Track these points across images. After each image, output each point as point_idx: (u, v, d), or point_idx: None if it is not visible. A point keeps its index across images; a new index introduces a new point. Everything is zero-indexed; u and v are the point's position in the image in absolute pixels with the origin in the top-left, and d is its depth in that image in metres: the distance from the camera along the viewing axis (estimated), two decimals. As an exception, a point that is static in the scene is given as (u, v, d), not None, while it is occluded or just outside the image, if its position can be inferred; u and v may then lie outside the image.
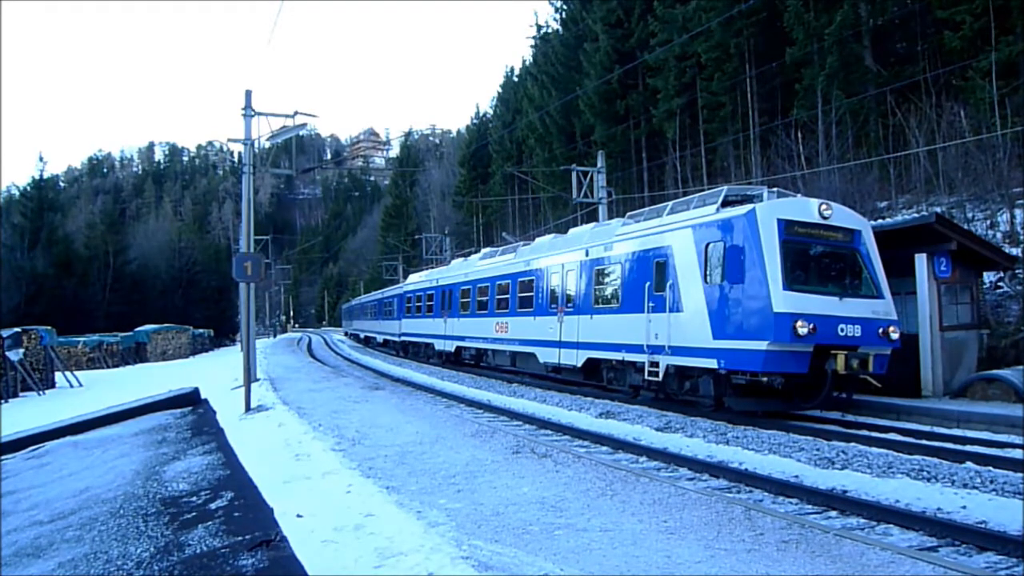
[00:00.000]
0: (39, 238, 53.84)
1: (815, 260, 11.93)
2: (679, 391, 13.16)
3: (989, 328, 15.07)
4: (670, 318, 12.68)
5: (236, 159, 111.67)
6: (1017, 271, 16.65)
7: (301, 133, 27.92)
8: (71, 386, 28.16)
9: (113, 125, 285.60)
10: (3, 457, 5.80)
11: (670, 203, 14.24)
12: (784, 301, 10.69)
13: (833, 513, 6.67)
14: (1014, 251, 17.31)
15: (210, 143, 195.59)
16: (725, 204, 12.33)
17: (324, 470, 7.74)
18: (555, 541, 5.37)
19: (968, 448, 9.20)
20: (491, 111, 74.07)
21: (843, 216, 12.12)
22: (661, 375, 12.96)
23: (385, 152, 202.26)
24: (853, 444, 9.62)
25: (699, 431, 10.83)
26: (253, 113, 20.08)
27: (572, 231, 19.00)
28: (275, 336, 75.95)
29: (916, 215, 17.12)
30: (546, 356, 17.69)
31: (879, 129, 27.26)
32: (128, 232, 74.76)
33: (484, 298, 22.23)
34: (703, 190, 15.14)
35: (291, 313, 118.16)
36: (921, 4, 26.16)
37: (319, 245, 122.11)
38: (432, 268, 36.89)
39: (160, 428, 5.94)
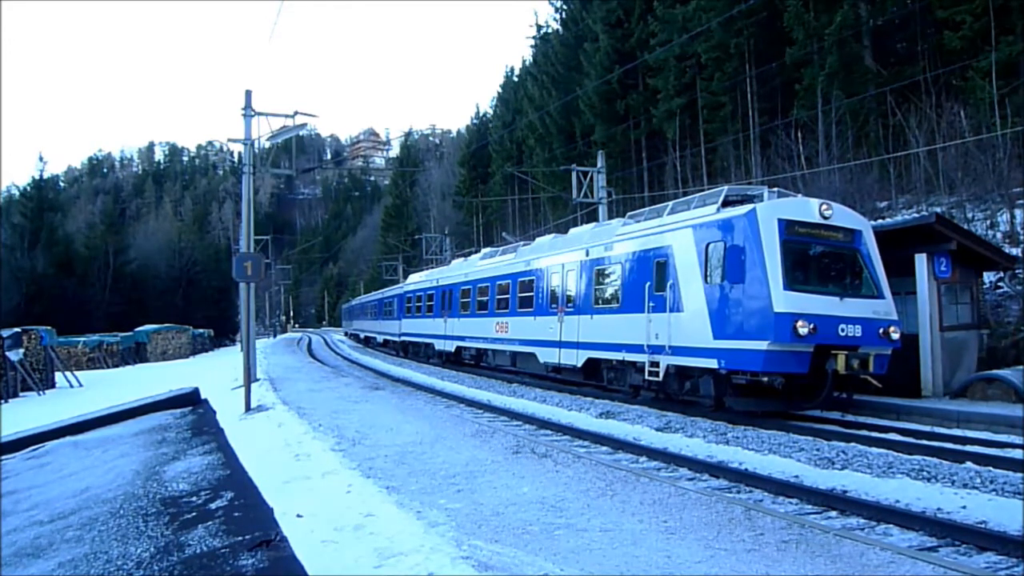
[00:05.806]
0: (39, 238, 53.85)
1: (815, 260, 11.92)
2: (679, 391, 13.15)
3: (989, 328, 15.06)
4: (670, 318, 12.68)
5: (236, 159, 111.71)
6: (1017, 271, 16.64)
7: (301, 133, 27.91)
8: (71, 386, 28.15)
9: (113, 125, 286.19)
10: (3, 457, 5.79)
11: (670, 203, 14.23)
12: (784, 301, 10.69)
13: (833, 513, 6.67)
14: (1014, 251, 17.31)
15: (210, 143, 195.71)
16: (725, 204, 12.33)
17: (324, 470, 7.74)
18: (555, 541, 5.37)
19: (968, 448, 9.19)
20: (491, 111, 74.18)
21: (843, 216, 12.12)
22: (661, 375, 12.95)
23: (385, 152, 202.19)
24: (853, 444, 9.62)
25: (699, 431, 10.83)
26: (253, 113, 20.08)
27: (572, 231, 19.00)
28: (275, 336, 75.92)
29: (916, 215, 17.12)
30: (546, 356, 17.69)
31: (879, 129, 27.25)
32: (128, 232, 74.87)
33: (484, 298, 22.21)
34: (703, 190, 15.13)
35: (291, 313, 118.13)
36: (921, 4, 26.14)
37: (319, 245, 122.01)
38: (432, 268, 36.88)
39: (160, 428, 5.94)
